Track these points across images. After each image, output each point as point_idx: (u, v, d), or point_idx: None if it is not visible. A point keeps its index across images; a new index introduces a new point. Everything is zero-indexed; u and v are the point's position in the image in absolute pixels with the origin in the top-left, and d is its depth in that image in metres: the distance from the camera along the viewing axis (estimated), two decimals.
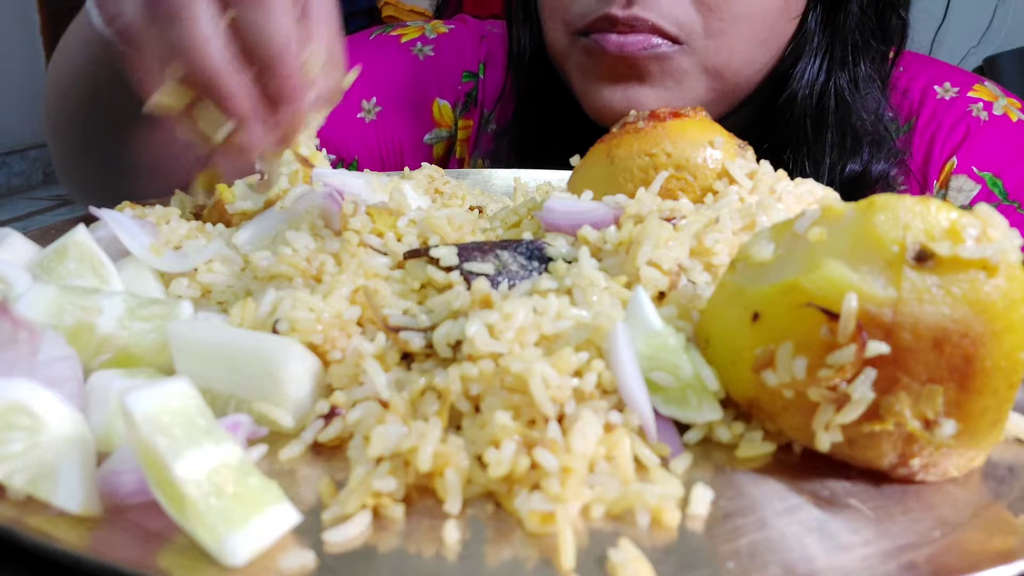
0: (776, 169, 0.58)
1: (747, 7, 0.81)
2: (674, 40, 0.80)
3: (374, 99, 1.05)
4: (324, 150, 0.69)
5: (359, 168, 1.05)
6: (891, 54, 0.93)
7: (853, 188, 0.89)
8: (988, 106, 0.94)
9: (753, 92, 0.89)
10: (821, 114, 0.88)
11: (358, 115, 1.05)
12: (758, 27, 0.83)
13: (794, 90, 0.87)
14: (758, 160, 0.58)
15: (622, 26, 0.79)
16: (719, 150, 0.57)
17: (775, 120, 0.90)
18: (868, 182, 0.89)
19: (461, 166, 1.08)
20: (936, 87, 0.96)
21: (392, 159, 1.06)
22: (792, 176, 0.58)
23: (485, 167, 1.00)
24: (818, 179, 0.87)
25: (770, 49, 0.86)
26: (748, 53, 0.84)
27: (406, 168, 0.79)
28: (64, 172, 0.90)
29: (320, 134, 1.02)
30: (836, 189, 0.87)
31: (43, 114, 0.87)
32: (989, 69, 2.64)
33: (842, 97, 0.88)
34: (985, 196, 0.91)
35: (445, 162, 1.08)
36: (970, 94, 0.95)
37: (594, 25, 0.81)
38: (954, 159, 0.93)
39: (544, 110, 0.97)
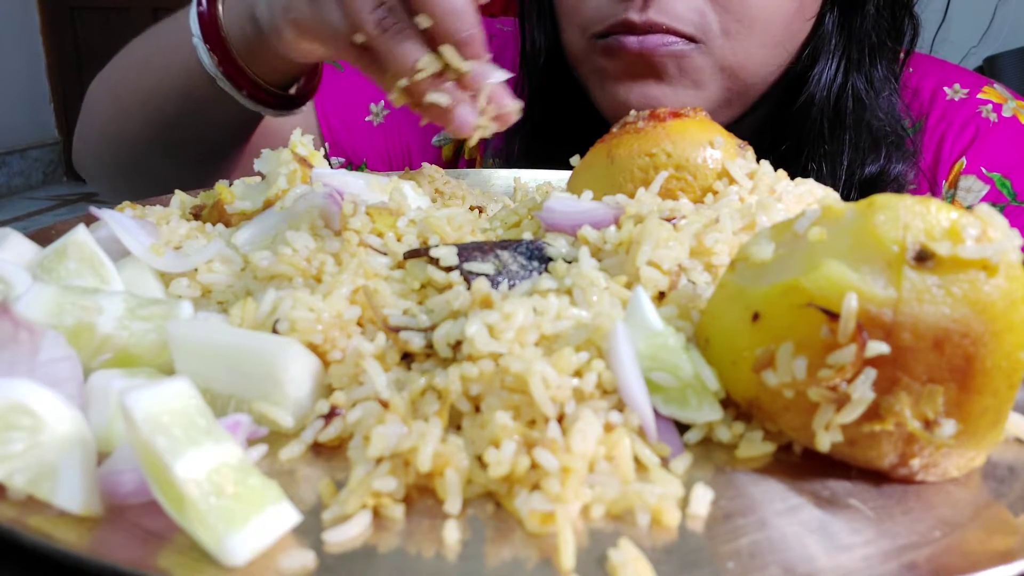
0: (792, 171, 0.58)
1: (761, 9, 0.82)
2: (691, 39, 0.81)
3: (382, 102, 1.05)
4: (323, 150, 0.69)
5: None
6: (901, 54, 0.93)
7: (871, 190, 0.89)
8: (997, 108, 0.95)
9: (768, 93, 0.90)
10: (839, 115, 0.88)
11: (366, 118, 1.05)
12: (773, 29, 0.84)
13: (812, 92, 0.88)
14: (776, 162, 0.58)
15: (640, 30, 0.80)
16: (719, 150, 0.57)
17: (792, 122, 0.90)
18: (886, 183, 0.90)
19: (472, 167, 1.07)
20: (946, 88, 0.96)
21: (400, 162, 1.06)
22: (810, 178, 0.58)
23: (497, 167, 1.00)
24: (836, 181, 0.88)
25: (785, 50, 0.87)
26: (763, 55, 0.85)
27: (407, 168, 0.79)
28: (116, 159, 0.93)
29: (328, 137, 1.02)
30: (855, 191, 0.88)
31: (97, 124, 0.91)
32: (989, 69, 2.63)
33: (859, 98, 0.88)
34: (994, 197, 0.92)
35: (454, 163, 1.07)
36: (979, 96, 0.96)
37: (612, 30, 0.82)
38: (963, 160, 0.94)
39: (557, 110, 0.97)
